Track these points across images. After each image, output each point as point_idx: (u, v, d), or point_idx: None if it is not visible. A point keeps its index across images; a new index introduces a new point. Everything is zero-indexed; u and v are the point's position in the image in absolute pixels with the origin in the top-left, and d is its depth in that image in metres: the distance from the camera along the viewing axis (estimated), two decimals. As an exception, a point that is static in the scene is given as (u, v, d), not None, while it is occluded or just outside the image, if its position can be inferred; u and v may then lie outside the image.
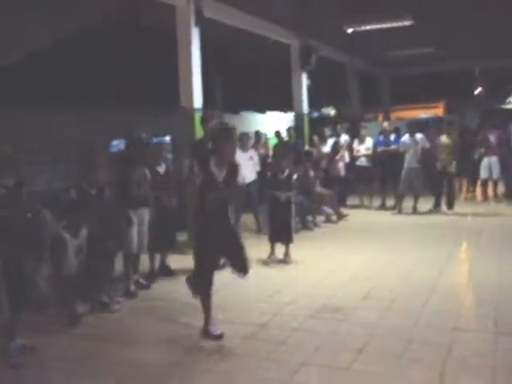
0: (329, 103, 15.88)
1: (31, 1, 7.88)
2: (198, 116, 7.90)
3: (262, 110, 15.88)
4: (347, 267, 6.69)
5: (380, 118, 16.83)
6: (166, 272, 6.54)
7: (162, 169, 6.35)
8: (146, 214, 5.91)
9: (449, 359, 3.87)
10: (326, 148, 11.06)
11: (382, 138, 11.25)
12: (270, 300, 5.51)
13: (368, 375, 3.72)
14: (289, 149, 10.04)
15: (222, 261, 4.74)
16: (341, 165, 11.09)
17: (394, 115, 16.72)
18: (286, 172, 7.10)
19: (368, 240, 8.28)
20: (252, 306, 5.30)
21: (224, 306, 4.98)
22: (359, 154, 11.36)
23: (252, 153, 9.57)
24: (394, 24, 10.82)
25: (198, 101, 7.93)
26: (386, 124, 11.17)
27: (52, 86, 8.79)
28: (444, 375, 3.65)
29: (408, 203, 10.57)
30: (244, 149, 9.06)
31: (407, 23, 10.73)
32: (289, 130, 11.65)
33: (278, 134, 12.28)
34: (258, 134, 11.35)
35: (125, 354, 4.29)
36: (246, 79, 16.43)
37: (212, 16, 8.26)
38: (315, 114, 15.42)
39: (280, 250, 7.08)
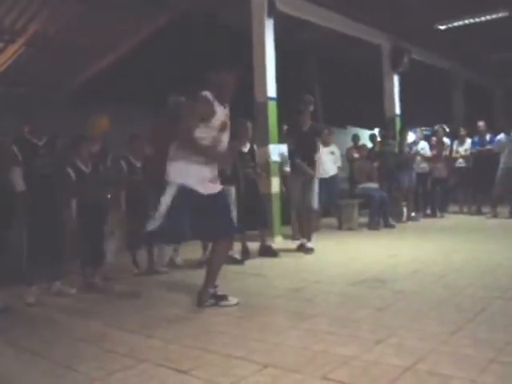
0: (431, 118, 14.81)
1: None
2: (272, 104, 7.98)
3: (369, 126, 15.47)
4: (409, 253, 6.44)
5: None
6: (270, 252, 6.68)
7: (246, 148, 6.61)
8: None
9: (474, 320, 3.54)
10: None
11: (476, 138, 10.61)
12: (319, 272, 5.48)
13: (375, 327, 3.50)
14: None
15: None
16: (444, 166, 10.76)
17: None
18: None
19: (445, 236, 7.85)
20: (298, 277, 5.26)
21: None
22: (458, 155, 10.85)
23: (334, 148, 9.54)
24: (488, 17, 10.22)
25: (271, 91, 8.00)
26: (481, 123, 10.47)
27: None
28: (461, 330, 3.33)
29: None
30: (325, 144, 9.08)
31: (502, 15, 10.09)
32: (380, 132, 11.34)
33: (372, 137, 12.00)
34: (355, 137, 11.25)
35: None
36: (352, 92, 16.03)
37: (289, 11, 8.39)
38: (427, 132, 14.75)
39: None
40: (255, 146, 6.91)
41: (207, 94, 4.22)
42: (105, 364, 3.05)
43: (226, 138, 4.36)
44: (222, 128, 4.28)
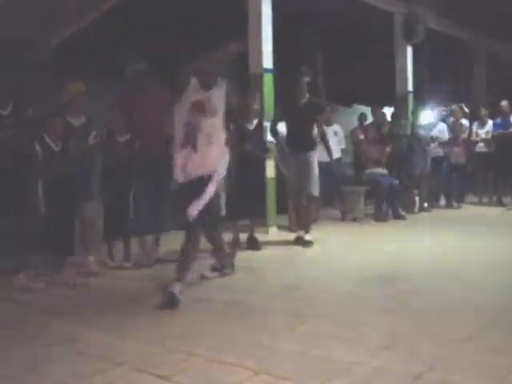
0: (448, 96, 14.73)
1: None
2: (268, 77, 7.93)
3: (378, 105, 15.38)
4: (421, 248, 6.52)
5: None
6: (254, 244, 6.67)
7: (251, 125, 6.56)
8: None
9: (491, 324, 3.57)
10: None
11: (499, 119, 10.60)
12: (319, 269, 5.56)
13: (382, 330, 3.52)
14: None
15: None
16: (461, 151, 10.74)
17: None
18: None
19: (462, 229, 7.85)
20: (295, 273, 5.30)
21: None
22: (478, 138, 10.84)
23: (337, 128, 9.54)
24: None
25: (268, 61, 7.93)
26: (504, 103, 10.46)
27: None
28: (476, 335, 3.35)
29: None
30: (327, 123, 9.02)
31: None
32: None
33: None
34: (362, 115, 11.17)
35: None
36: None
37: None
38: (444, 112, 14.75)
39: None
40: (265, 123, 6.81)
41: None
42: (75, 367, 3.04)
43: (213, 123, 4.42)
44: (197, 110, 4.33)
